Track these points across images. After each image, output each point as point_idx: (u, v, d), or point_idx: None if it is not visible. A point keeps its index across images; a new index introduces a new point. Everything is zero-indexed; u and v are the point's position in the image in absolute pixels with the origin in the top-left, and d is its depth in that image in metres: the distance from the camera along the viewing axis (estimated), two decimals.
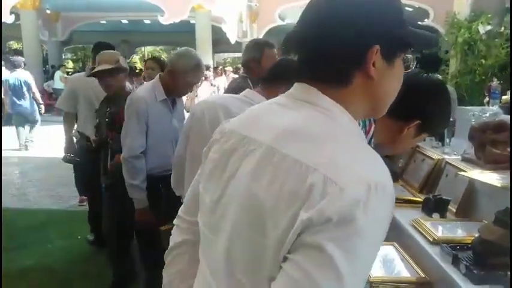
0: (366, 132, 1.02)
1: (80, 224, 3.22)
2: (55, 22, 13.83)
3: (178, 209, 0.80)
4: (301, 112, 0.61)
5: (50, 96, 11.37)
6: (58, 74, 11.93)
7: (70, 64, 16.34)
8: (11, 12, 10.30)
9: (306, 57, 0.64)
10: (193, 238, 0.77)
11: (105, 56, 2.34)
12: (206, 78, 7.39)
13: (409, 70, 0.71)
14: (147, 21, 15.07)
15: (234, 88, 2.09)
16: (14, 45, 19.29)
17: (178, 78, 2.00)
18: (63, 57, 17.27)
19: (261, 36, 12.69)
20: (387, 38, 0.60)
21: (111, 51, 2.58)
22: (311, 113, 0.60)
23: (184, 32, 13.85)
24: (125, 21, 15.66)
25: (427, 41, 0.66)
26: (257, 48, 2.16)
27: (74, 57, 23.96)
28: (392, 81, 0.65)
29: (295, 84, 0.66)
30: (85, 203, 3.69)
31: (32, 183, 5.00)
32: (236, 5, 10.87)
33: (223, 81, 9.20)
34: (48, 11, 12.94)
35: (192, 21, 10.65)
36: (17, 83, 6.50)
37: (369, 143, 1.03)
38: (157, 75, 2.10)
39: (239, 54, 15.52)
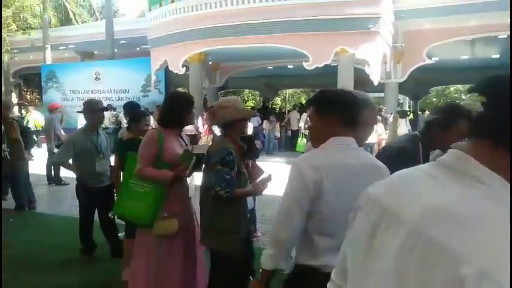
0: None
1: None
2: (215, 71, 16.17)
3: None
4: (455, 186, 0.54)
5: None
6: None
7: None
8: (183, 65, 13.55)
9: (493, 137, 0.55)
10: None
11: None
12: None
13: None
14: (290, 66, 15.67)
15: (404, 148, 1.91)
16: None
17: None
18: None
19: (405, 76, 13.54)
20: None
21: None
22: (467, 189, 0.53)
23: (325, 75, 13.34)
24: (270, 66, 16.39)
25: None
26: (452, 115, 1.87)
27: None
28: None
29: (451, 151, 0.60)
30: None
31: None
32: (380, 46, 11.00)
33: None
34: (210, 63, 14.79)
35: (333, 64, 11.12)
36: None
37: None
38: None
39: (381, 95, 15.00)
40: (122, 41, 16.22)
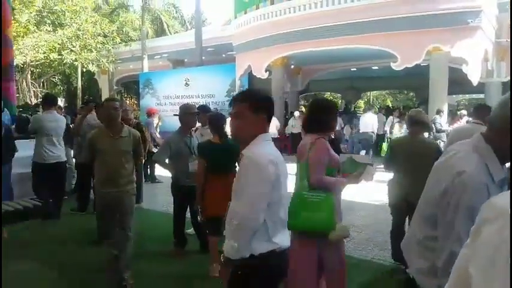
0: None
1: None
2: (296, 75, 16.09)
3: None
4: None
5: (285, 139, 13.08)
6: (291, 121, 12.90)
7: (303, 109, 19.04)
8: (266, 70, 13.73)
9: None
10: None
11: None
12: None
13: None
14: (375, 67, 15.26)
15: None
16: None
17: None
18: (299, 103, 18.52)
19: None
20: None
21: None
22: None
23: (414, 75, 12.79)
24: (353, 68, 15.86)
25: None
26: None
27: (307, 103, 25.83)
28: None
29: None
30: None
31: None
32: (481, 43, 10.11)
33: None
34: (292, 67, 14.91)
35: (423, 64, 10.46)
36: None
37: None
38: (480, 136, 1.35)
39: (480, 96, 13.73)
40: (209, 49, 17.11)
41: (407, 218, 3.44)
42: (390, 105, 22.80)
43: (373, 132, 10.96)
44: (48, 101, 5.21)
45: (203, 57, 16.52)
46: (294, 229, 2.47)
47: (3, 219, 2.95)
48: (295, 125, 12.51)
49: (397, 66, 10.41)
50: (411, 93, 26.87)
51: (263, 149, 1.70)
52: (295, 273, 2.46)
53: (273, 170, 1.64)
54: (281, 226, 1.76)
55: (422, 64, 10.43)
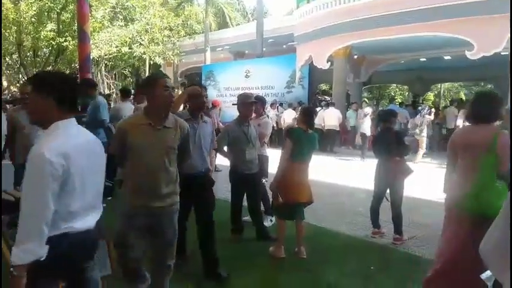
0: None
1: (373, 254, 3.03)
2: (360, 66, 15.44)
3: None
4: None
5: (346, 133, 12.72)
6: (367, 121, 11.15)
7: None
8: (328, 60, 13.33)
9: None
10: None
11: None
12: None
13: None
14: (447, 57, 14.21)
15: None
16: (323, 86, 23.96)
17: None
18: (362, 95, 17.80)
19: None
20: None
21: None
22: None
23: (492, 65, 11.68)
24: (422, 58, 14.91)
25: None
26: None
27: (370, 95, 27.55)
28: None
29: None
30: (377, 236, 4.27)
31: (329, 207, 5.36)
32: None
33: None
34: (355, 57, 14.32)
35: (503, 53, 9.62)
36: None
37: None
38: None
39: None
40: (270, 40, 17.10)
41: None
42: (463, 98, 20.94)
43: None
44: (124, 93, 6.49)
45: (264, 49, 16.57)
46: (488, 217, 2.45)
47: None
48: (367, 126, 10.76)
49: (473, 55, 9.53)
50: (489, 85, 24.73)
51: (55, 140, 1.59)
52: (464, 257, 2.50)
53: (62, 163, 1.55)
54: (80, 213, 1.70)
55: (502, 53, 9.47)
